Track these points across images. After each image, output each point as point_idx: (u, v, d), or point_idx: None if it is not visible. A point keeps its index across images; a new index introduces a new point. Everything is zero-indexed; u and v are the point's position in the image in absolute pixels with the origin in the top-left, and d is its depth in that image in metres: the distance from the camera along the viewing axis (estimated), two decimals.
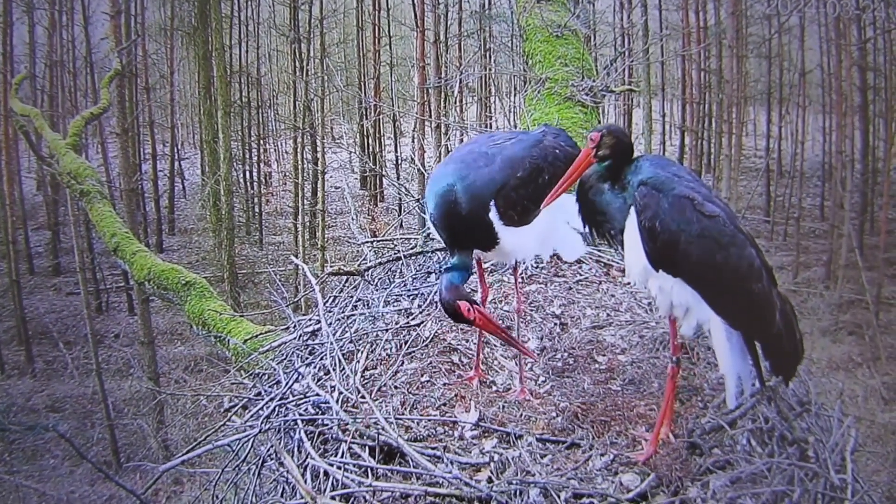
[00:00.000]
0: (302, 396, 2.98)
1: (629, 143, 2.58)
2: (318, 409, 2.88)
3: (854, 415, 3.03)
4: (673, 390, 2.62)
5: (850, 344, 16.00)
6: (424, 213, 3.29)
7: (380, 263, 4.12)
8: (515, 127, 7.44)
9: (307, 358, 3.32)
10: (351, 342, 3.36)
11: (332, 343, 3.24)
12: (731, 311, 2.47)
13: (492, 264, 4.09)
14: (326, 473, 2.52)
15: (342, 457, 2.59)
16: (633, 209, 2.46)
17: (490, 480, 2.43)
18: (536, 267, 4.19)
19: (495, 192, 2.83)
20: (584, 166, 2.59)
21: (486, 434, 2.71)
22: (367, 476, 2.47)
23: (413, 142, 19.33)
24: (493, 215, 2.84)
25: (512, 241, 2.93)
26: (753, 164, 27.40)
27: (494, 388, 3.09)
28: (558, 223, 3.11)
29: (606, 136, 2.54)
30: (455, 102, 18.62)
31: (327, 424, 2.76)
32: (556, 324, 3.57)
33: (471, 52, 18.98)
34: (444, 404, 2.91)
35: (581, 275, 4.12)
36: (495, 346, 3.39)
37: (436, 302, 3.76)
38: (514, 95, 15.65)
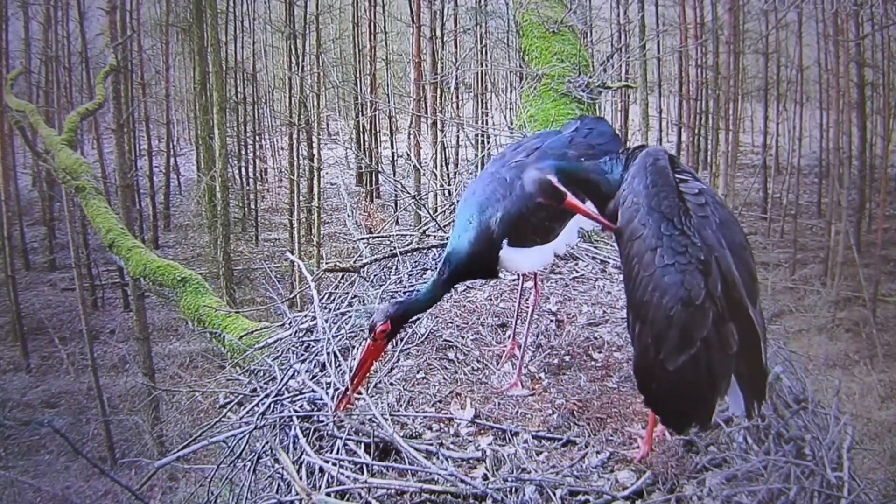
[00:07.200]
0: (297, 393, 2.97)
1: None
2: (313, 406, 2.87)
3: (851, 412, 3.02)
4: None
5: (847, 341, 16.04)
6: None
7: (375, 260, 4.10)
8: (511, 123, 7.42)
9: (303, 354, 3.31)
10: (346, 338, 3.35)
11: (327, 339, 3.23)
12: (636, 325, 2.23)
13: None
14: (322, 470, 2.51)
15: (337, 453, 2.58)
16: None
17: (486, 477, 2.42)
18: None
19: (508, 229, 2.80)
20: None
21: (482, 431, 2.70)
22: (363, 472, 2.46)
23: (409, 138, 19.33)
24: (504, 251, 2.83)
25: (529, 261, 2.95)
26: (750, 160, 27.40)
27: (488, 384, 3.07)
28: (572, 226, 3.05)
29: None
30: (451, 98, 18.60)
31: (323, 421, 2.75)
32: (552, 321, 3.55)
33: (467, 49, 18.94)
34: (440, 401, 2.90)
35: (577, 272, 4.10)
36: (491, 343, 3.38)
37: None
38: (511, 91, 15.61)
